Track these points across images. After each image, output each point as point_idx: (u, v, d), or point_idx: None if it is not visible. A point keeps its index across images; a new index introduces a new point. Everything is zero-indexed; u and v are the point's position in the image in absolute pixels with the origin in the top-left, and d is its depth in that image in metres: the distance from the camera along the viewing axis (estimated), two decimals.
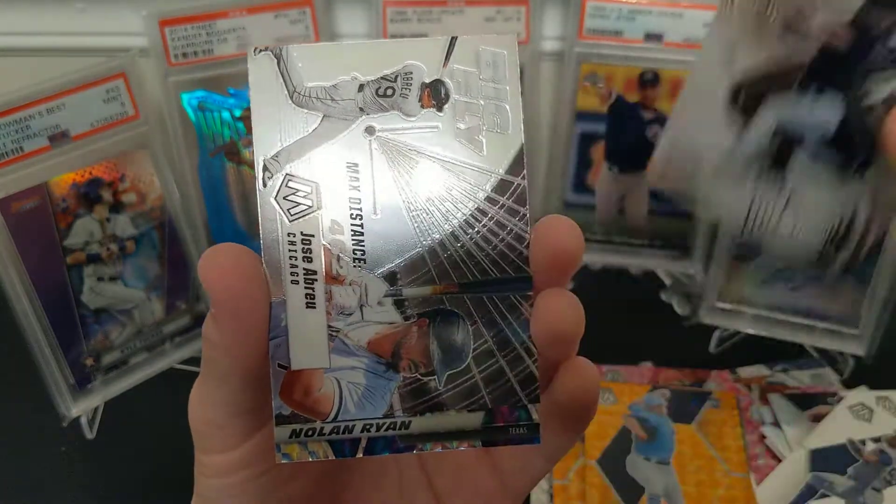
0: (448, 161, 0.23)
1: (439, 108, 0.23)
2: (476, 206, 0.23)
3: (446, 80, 0.23)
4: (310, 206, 0.23)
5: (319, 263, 0.23)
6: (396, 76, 0.23)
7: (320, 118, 0.23)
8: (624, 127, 0.65)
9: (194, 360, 0.62)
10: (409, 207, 0.23)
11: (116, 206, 0.57)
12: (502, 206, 0.23)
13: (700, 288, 0.63)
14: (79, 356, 0.56)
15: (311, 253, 0.23)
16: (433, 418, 0.23)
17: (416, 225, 0.23)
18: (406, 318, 0.23)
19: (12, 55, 0.69)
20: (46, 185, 0.53)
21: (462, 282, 0.23)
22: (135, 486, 0.55)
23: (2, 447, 0.58)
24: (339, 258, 0.23)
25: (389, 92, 0.23)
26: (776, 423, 0.56)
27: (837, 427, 0.55)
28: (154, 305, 0.60)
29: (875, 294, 0.57)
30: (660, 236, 0.67)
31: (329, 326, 0.23)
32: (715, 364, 0.61)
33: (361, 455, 0.23)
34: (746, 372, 0.61)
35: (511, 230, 0.23)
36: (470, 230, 0.23)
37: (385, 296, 0.23)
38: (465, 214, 0.23)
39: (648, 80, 0.64)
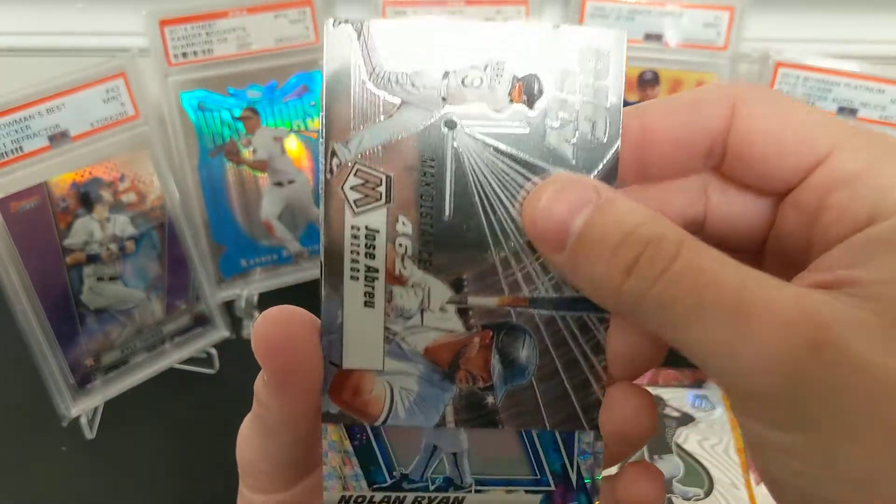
0: (534, 164, 0.21)
1: (530, 105, 0.21)
2: None
3: (542, 74, 0.21)
4: (378, 200, 0.21)
5: (382, 261, 0.21)
6: (486, 66, 0.21)
7: (398, 104, 0.21)
8: None
9: (194, 360, 0.62)
10: (486, 212, 0.21)
11: (116, 206, 0.57)
12: None
13: None
14: (79, 356, 0.56)
15: (374, 249, 0.21)
16: (488, 496, 0.23)
17: (491, 231, 0.21)
18: (468, 328, 0.22)
19: (12, 55, 0.69)
20: (46, 185, 0.53)
21: (533, 296, 0.21)
22: (135, 486, 0.55)
23: (2, 447, 0.58)
24: (403, 258, 0.21)
25: (477, 83, 0.21)
26: None
27: None
28: (154, 305, 0.60)
29: None
30: None
31: (386, 328, 0.21)
32: None
33: None
34: None
35: None
36: None
37: (449, 302, 0.22)
38: None
39: (648, 80, 0.64)
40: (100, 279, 0.57)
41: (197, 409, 0.60)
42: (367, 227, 0.21)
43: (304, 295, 0.67)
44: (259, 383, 0.22)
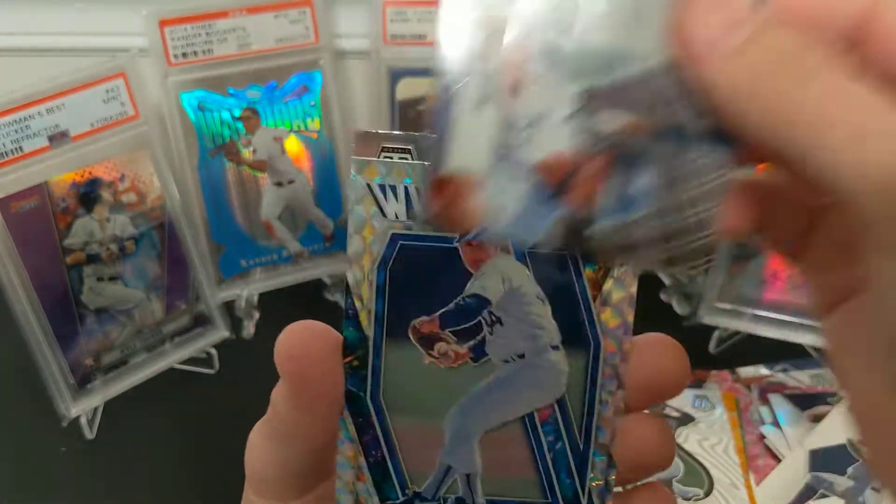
0: None
1: None
2: None
3: None
4: None
5: (507, 55, 0.19)
6: None
7: None
8: None
9: (194, 360, 0.62)
10: (640, 17, 0.18)
11: (116, 206, 0.57)
12: None
13: (700, 288, 0.63)
14: (79, 356, 0.56)
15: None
16: None
17: (641, 39, 0.18)
18: (588, 147, 0.19)
19: (12, 55, 0.69)
20: (46, 185, 0.53)
21: (664, 125, 0.19)
22: (135, 486, 0.55)
23: (2, 447, 0.58)
24: (533, 53, 0.19)
25: None
26: (776, 423, 0.56)
27: (837, 427, 0.55)
28: (154, 305, 0.60)
29: None
30: None
31: (498, 134, 0.19)
32: (715, 364, 0.61)
33: None
34: (746, 372, 0.61)
35: None
36: None
37: (572, 115, 0.19)
38: None
39: None
40: (100, 279, 0.57)
41: (197, 409, 0.60)
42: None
43: (304, 295, 0.67)
44: (277, 395, 0.22)
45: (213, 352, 0.62)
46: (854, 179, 0.16)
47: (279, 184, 0.65)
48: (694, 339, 0.62)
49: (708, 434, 0.56)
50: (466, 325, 0.22)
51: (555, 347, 0.22)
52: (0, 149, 0.51)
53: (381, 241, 0.22)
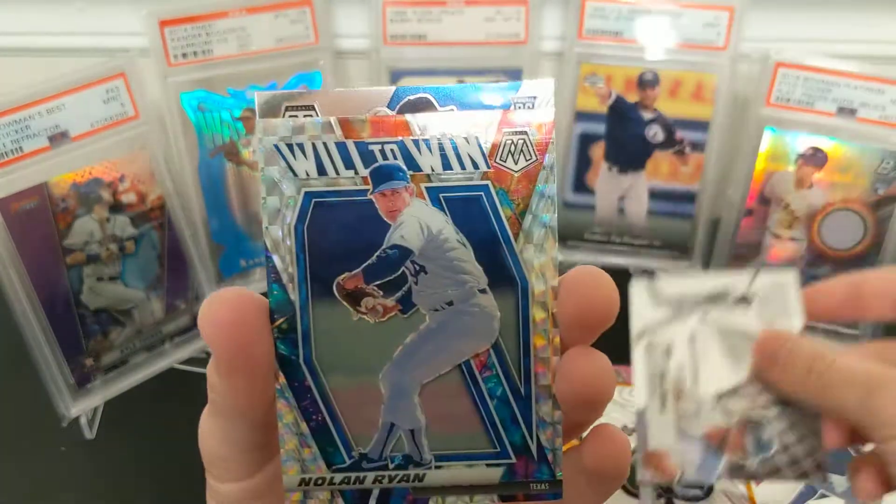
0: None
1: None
2: None
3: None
4: None
5: (671, 386, 0.34)
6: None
7: None
8: (623, 127, 0.65)
9: (194, 361, 0.62)
10: None
11: (116, 206, 0.57)
12: None
13: None
14: (79, 356, 0.56)
15: (667, 377, 0.34)
16: (448, 472, 0.22)
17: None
18: (730, 420, 0.33)
19: (12, 55, 0.69)
20: (46, 186, 0.53)
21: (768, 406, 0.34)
22: (135, 486, 0.55)
23: (2, 447, 0.58)
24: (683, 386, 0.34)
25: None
26: None
27: None
28: (154, 305, 0.60)
29: None
30: (659, 236, 0.67)
31: (676, 423, 0.33)
32: None
33: None
34: None
35: None
36: None
37: (715, 408, 0.33)
38: None
39: (648, 81, 0.64)
40: (100, 279, 0.57)
41: (197, 409, 0.59)
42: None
43: None
44: (210, 368, 0.22)
45: None
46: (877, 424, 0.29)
47: None
48: None
49: None
50: (391, 278, 0.22)
51: (482, 291, 0.22)
52: (0, 149, 0.51)
53: (294, 200, 0.21)
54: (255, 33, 0.61)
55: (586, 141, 0.66)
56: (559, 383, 0.22)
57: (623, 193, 0.67)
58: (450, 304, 0.22)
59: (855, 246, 0.61)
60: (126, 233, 0.57)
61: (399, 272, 0.22)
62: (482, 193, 0.22)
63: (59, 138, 0.53)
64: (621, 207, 0.67)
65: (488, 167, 0.21)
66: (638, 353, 0.33)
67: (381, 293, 0.22)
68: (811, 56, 0.59)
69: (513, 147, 0.21)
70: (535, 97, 0.21)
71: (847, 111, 0.59)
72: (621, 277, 0.24)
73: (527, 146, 0.21)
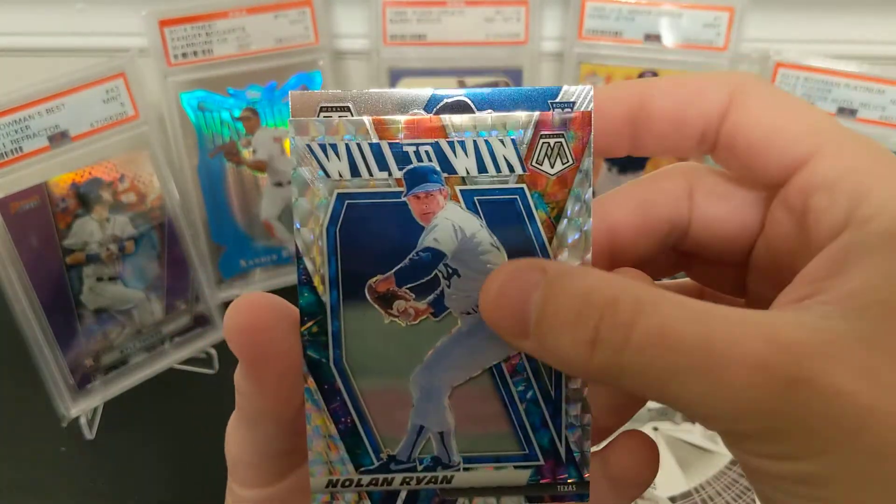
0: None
1: None
2: None
3: None
4: None
5: None
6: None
7: None
8: None
9: (194, 361, 0.62)
10: None
11: (116, 207, 0.57)
12: None
13: None
14: (78, 356, 0.56)
15: None
16: (477, 473, 0.22)
17: None
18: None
19: (12, 55, 0.69)
20: (46, 186, 0.53)
21: None
22: (135, 486, 0.55)
23: (2, 447, 0.58)
24: None
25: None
26: None
27: None
28: (153, 305, 0.60)
29: None
30: None
31: None
32: None
33: None
34: None
35: None
36: None
37: None
38: None
39: None
40: (99, 279, 0.57)
41: (197, 409, 0.60)
42: None
43: None
44: (237, 375, 0.22)
45: (213, 352, 0.62)
46: (715, 411, 0.17)
47: (279, 184, 0.65)
48: None
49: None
50: (423, 280, 0.22)
51: None
52: (0, 149, 0.51)
53: (327, 201, 0.21)
54: (255, 33, 0.61)
55: None
56: (610, 467, 0.23)
57: None
58: None
59: None
60: (126, 233, 0.57)
61: (432, 275, 0.22)
62: (517, 196, 0.21)
63: (58, 138, 0.53)
64: None
65: (524, 170, 0.21)
66: None
67: (413, 296, 0.22)
68: (811, 56, 0.59)
69: (549, 150, 0.21)
70: (573, 102, 0.21)
71: (847, 111, 0.59)
72: None
73: (563, 149, 0.21)
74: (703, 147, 0.22)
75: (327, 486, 0.22)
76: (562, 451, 0.22)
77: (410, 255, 0.22)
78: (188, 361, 0.62)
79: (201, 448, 0.57)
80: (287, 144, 0.65)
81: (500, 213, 0.21)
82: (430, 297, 0.22)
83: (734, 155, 0.21)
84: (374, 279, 0.22)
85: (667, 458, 0.53)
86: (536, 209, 0.21)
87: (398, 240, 0.21)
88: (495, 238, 0.21)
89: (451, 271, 0.22)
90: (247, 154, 0.64)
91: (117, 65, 0.55)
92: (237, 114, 0.63)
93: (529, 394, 0.22)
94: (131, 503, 0.55)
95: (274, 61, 0.63)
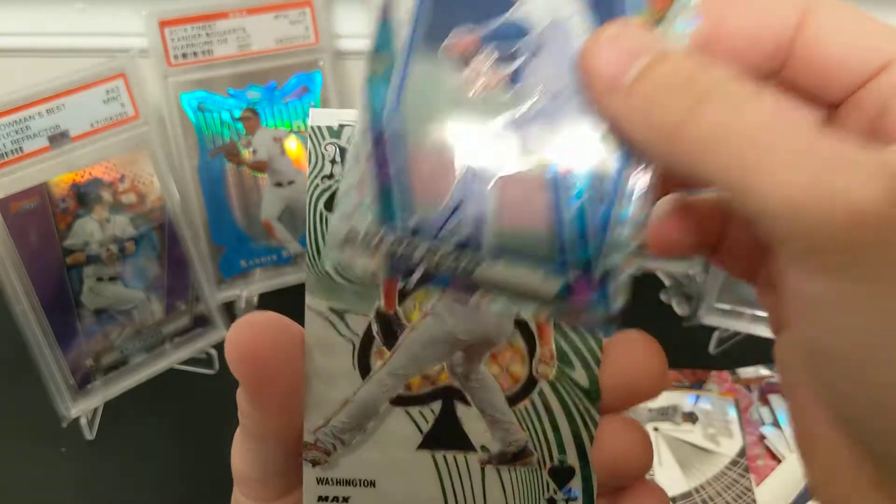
0: None
1: None
2: None
3: None
4: None
5: None
6: None
7: None
8: None
9: (194, 361, 0.62)
10: None
11: (116, 207, 0.57)
12: None
13: (700, 288, 0.63)
14: (78, 357, 0.56)
15: None
16: (503, 270, 0.20)
17: None
18: None
19: (12, 55, 0.69)
20: (46, 186, 0.53)
21: None
22: (135, 486, 0.55)
23: (2, 447, 0.58)
24: None
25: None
26: (776, 424, 0.56)
27: None
28: (154, 306, 0.60)
29: None
30: None
31: None
32: (715, 365, 0.61)
33: (413, 285, 0.20)
34: (746, 373, 0.61)
35: None
36: None
37: None
38: None
39: None
40: (99, 280, 0.57)
41: (197, 410, 0.60)
42: None
43: (304, 295, 0.67)
44: (240, 394, 0.22)
45: (213, 352, 0.62)
46: (751, 200, 0.16)
47: (279, 184, 0.65)
48: (694, 339, 0.62)
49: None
50: (506, 50, 0.20)
51: None
52: (0, 149, 0.51)
53: None
54: (255, 34, 0.61)
55: None
56: (597, 452, 0.22)
57: None
58: (559, 93, 0.20)
59: None
60: (126, 233, 0.57)
61: (515, 46, 0.20)
62: None
63: (59, 138, 0.53)
64: None
65: None
66: None
67: (491, 62, 0.20)
68: None
69: None
70: None
71: None
72: None
73: None
74: (773, 63, 0.21)
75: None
76: (596, 273, 0.20)
77: (499, 21, 0.20)
78: (188, 362, 0.62)
79: (201, 448, 0.57)
80: (287, 145, 0.65)
81: (602, 4, 0.20)
82: (508, 70, 0.20)
83: (810, 68, 0.20)
84: (457, 34, 0.20)
85: (667, 459, 0.53)
86: (638, 12, 0.20)
87: (489, 3, 0.20)
88: (590, 26, 0.20)
89: (536, 48, 0.20)
90: (247, 154, 0.64)
91: (117, 65, 0.55)
92: (237, 114, 0.63)
93: (579, 201, 0.20)
94: (131, 503, 0.55)
95: (274, 61, 0.63)
